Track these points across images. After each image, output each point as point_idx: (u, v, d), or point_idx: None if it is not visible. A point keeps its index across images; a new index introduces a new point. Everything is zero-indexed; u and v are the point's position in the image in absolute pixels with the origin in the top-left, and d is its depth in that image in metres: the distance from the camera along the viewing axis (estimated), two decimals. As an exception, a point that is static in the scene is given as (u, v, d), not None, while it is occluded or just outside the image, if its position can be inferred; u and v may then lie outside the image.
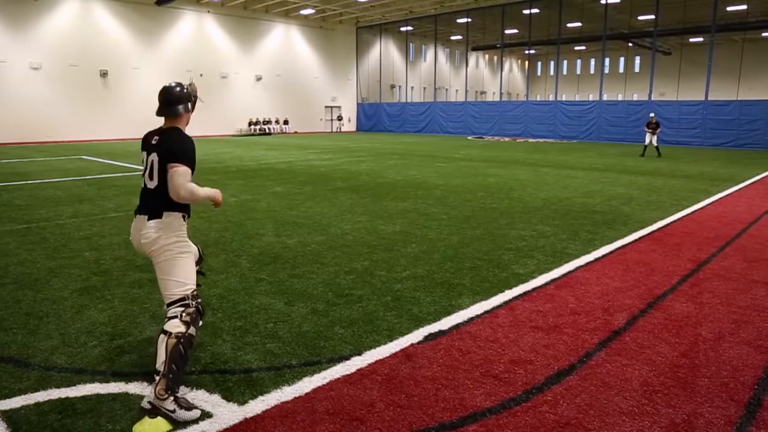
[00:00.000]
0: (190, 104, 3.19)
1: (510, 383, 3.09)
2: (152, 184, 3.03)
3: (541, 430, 2.64)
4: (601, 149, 23.17)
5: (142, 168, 3.14)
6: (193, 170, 3.05)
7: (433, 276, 5.08)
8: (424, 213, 8.16)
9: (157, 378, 2.72)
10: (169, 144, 3.01)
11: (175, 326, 2.84)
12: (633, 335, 3.77)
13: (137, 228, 3.07)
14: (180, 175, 2.94)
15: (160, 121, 3.20)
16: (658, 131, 19.52)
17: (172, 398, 2.71)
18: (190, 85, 3.22)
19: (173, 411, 2.70)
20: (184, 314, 2.90)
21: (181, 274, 3.00)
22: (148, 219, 3.00)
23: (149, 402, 2.72)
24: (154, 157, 3.02)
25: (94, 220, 7.62)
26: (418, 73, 48.53)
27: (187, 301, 2.96)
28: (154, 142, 3.07)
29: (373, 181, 11.95)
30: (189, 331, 2.86)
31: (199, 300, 3.05)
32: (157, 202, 3.02)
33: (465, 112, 36.68)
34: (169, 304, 2.95)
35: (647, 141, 19.63)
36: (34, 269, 5.25)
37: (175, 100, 3.12)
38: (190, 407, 2.76)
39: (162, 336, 2.82)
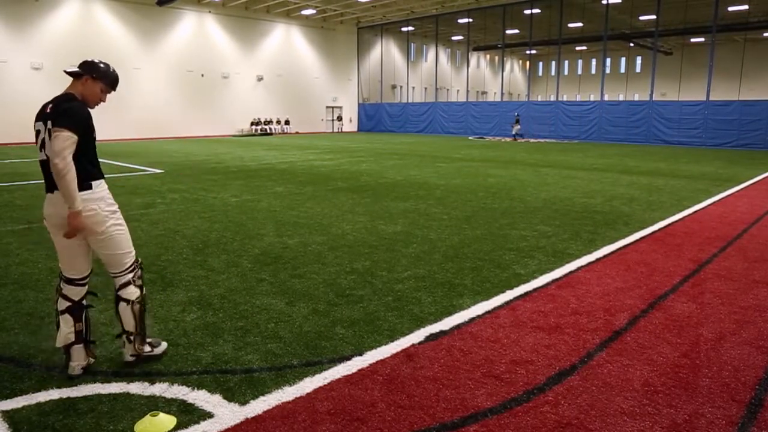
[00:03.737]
0: None
1: (511, 383, 3.09)
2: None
3: (543, 431, 2.64)
4: (602, 149, 23.16)
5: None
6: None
7: (434, 276, 5.08)
8: (425, 213, 8.16)
9: (132, 338, 3.20)
10: None
11: (132, 293, 3.20)
12: (634, 335, 3.76)
13: (63, 201, 2.95)
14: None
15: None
16: (517, 126, 30.76)
17: (146, 345, 3.28)
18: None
19: (151, 351, 3.30)
20: (135, 279, 3.24)
21: (126, 244, 3.20)
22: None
23: (132, 355, 3.23)
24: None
25: (95, 220, 7.62)
26: (419, 74, 48.53)
27: (133, 265, 3.24)
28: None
29: (373, 181, 11.95)
30: (143, 293, 3.27)
31: (139, 260, 3.33)
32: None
33: (466, 113, 36.68)
34: (119, 272, 3.19)
35: (514, 131, 30.72)
36: (36, 269, 5.26)
37: None
38: (159, 343, 3.38)
39: (123, 304, 3.18)
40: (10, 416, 2.76)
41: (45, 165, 3.03)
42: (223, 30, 34.47)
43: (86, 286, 3.25)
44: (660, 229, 7.19)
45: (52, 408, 2.83)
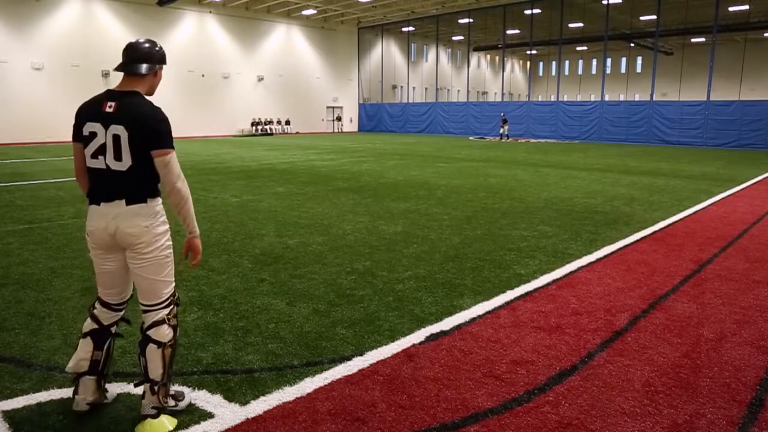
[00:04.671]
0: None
1: (512, 383, 3.09)
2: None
3: (543, 431, 2.64)
4: (602, 149, 23.15)
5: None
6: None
7: (435, 276, 5.08)
8: (425, 213, 8.16)
9: (156, 388, 2.66)
10: None
11: (166, 334, 2.70)
12: (635, 336, 3.76)
13: (116, 215, 2.60)
14: None
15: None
16: (506, 126, 31.00)
17: (170, 398, 2.79)
18: None
19: (175, 406, 2.80)
20: (170, 317, 2.73)
21: (171, 272, 2.76)
22: (128, 203, 2.61)
23: (153, 407, 2.68)
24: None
25: (96, 220, 7.62)
26: (419, 74, 48.52)
27: (170, 300, 2.76)
28: None
29: (374, 181, 11.95)
30: (177, 335, 2.77)
31: (177, 294, 2.85)
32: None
33: (466, 113, 36.69)
34: (153, 305, 2.71)
35: (501, 131, 31.15)
36: (36, 269, 5.26)
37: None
38: (182, 396, 2.87)
39: (153, 346, 2.66)
40: (10, 416, 2.76)
41: (104, 174, 2.60)
42: (223, 30, 34.47)
43: (122, 312, 2.87)
44: (661, 230, 7.19)
45: (52, 408, 2.83)
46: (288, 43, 38.18)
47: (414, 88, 47.27)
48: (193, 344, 3.59)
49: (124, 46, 2.69)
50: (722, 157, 19.63)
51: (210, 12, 33.66)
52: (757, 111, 25.02)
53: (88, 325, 2.80)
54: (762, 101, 25.28)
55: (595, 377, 3.17)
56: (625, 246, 6.30)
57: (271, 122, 37.20)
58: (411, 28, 42.65)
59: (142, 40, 2.72)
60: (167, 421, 2.67)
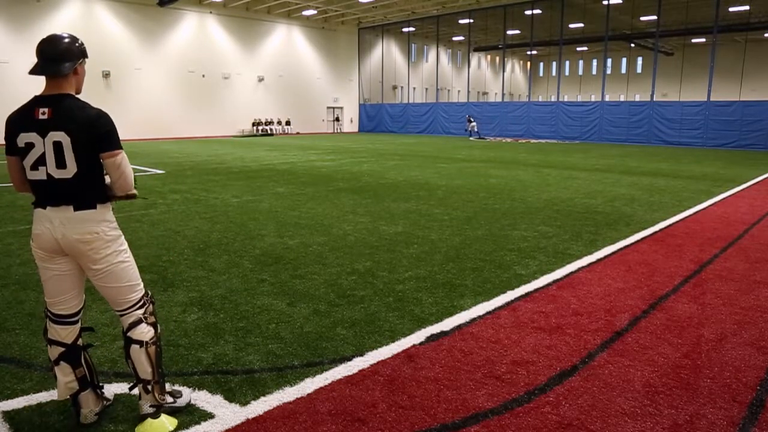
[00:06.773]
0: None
1: (512, 384, 3.09)
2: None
3: (543, 431, 2.64)
4: (603, 150, 23.15)
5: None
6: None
7: (435, 277, 5.08)
8: (426, 214, 8.16)
9: (150, 387, 2.66)
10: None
11: (145, 332, 2.66)
12: (635, 336, 3.76)
13: (62, 220, 2.48)
14: None
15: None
16: (473, 124, 33.23)
17: (167, 395, 2.80)
18: None
19: (174, 402, 2.81)
20: (147, 315, 2.70)
21: (133, 275, 2.68)
22: (77, 209, 2.49)
23: (151, 406, 2.68)
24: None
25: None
26: (420, 74, 48.52)
27: (142, 300, 2.72)
28: None
29: (374, 181, 11.95)
30: (158, 331, 2.74)
31: (149, 293, 2.80)
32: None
33: (467, 113, 36.67)
34: (125, 309, 2.67)
35: (469, 128, 33.31)
36: (37, 270, 5.25)
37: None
38: (180, 393, 2.88)
39: (136, 346, 2.63)
40: (11, 416, 2.76)
41: (47, 185, 2.48)
42: (224, 30, 34.49)
43: (79, 323, 2.71)
44: (661, 230, 7.19)
45: (53, 408, 2.83)
46: (288, 43, 38.20)
47: (414, 88, 47.26)
48: (194, 345, 3.59)
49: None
50: (723, 158, 19.63)
51: (210, 12, 33.67)
52: (758, 111, 25.01)
53: (53, 351, 2.65)
54: (762, 102, 25.27)
55: (595, 378, 3.17)
56: (626, 246, 6.30)
57: (271, 123, 37.21)
58: (411, 29, 42.65)
59: (57, 36, 2.51)
60: (167, 422, 2.67)
